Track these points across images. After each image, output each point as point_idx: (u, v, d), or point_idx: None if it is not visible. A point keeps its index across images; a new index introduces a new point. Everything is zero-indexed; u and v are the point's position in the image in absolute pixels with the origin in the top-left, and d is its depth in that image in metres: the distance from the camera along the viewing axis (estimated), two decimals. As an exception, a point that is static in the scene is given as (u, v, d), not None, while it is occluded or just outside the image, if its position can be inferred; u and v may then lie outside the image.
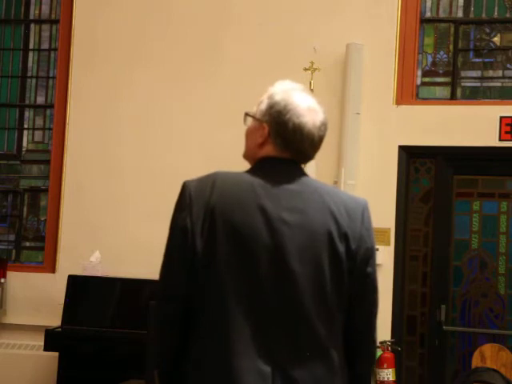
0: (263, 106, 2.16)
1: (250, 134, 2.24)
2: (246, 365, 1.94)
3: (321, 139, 2.16)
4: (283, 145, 2.12)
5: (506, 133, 5.33)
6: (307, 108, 2.13)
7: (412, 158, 5.54)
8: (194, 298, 2.03)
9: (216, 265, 1.99)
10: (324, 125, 2.15)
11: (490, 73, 5.60)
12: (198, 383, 1.99)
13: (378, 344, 2.32)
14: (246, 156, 2.25)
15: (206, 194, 2.05)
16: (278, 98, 2.14)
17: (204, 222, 2.01)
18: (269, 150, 2.15)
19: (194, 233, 2.01)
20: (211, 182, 2.08)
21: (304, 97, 2.16)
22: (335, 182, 5.33)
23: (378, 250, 5.34)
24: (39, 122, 6.16)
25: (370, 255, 2.11)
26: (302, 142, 2.11)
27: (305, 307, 1.99)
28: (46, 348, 5.21)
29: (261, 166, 2.14)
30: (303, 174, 2.14)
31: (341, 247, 2.04)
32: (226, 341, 1.95)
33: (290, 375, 1.96)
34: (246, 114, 2.24)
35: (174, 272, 2.07)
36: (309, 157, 2.17)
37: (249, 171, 2.15)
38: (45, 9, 6.21)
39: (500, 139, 5.34)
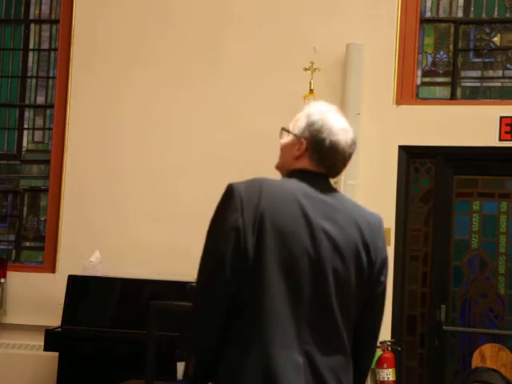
0: (301, 124, 2.36)
1: (286, 147, 2.40)
2: (283, 355, 2.14)
3: (350, 156, 2.39)
4: (319, 160, 2.33)
5: (506, 133, 5.33)
6: (342, 128, 2.35)
7: (412, 157, 5.54)
8: (239, 294, 2.18)
9: (264, 265, 2.16)
10: (354, 143, 2.39)
11: (490, 73, 5.60)
12: (237, 370, 2.17)
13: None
14: (281, 167, 2.42)
15: (255, 198, 2.20)
16: (315, 117, 2.34)
17: (254, 224, 2.17)
18: (305, 164, 2.34)
19: (246, 234, 2.16)
20: (258, 188, 2.23)
21: (338, 117, 2.37)
22: (335, 182, 5.32)
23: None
24: (39, 122, 6.16)
25: (384, 265, 2.33)
26: (335, 159, 2.34)
27: (334, 308, 2.22)
28: (46, 348, 5.21)
29: (300, 177, 2.31)
30: (333, 188, 2.37)
31: (364, 257, 2.27)
32: (266, 332, 2.15)
33: (317, 366, 2.18)
34: (283, 129, 2.43)
35: (226, 270, 2.16)
36: (339, 172, 2.40)
37: (289, 180, 2.32)
38: (45, 9, 6.21)
39: (500, 139, 5.34)
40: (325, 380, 2.18)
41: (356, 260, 2.25)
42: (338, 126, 2.34)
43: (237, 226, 2.16)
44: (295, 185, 2.27)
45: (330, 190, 2.34)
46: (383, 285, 2.34)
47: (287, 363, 2.13)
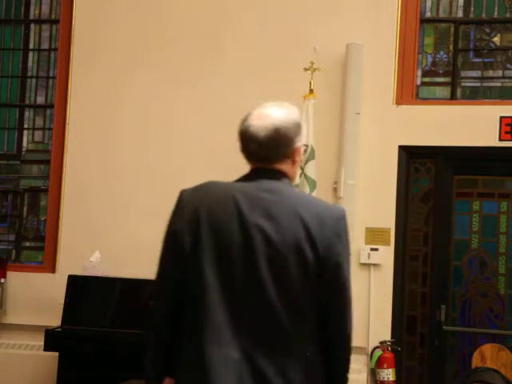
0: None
1: None
2: (216, 352, 2.19)
3: (269, 138, 2.32)
4: (244, 152, 2.39)
5: (506, 133, 5.33)
6: (257, 115, 2.35)
7: (412, 157, 5.54)
8: (188, 292, 2.28)
9: (202, 263, 2.25)
10: (274, 127, 2.32)
11: (490, 73, 5.60)
12: (178, 369, 2.27)
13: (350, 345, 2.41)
14: None
15: (197, 200, 2.32)
16: (248, 114, 2.40)
17: (191, 225, 2.29)
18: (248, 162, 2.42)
19: (182, 235, 2.29)
20: (205, 190, 2.37)
21: (265, 108, 2.39)
22: (335, 182, 5.33)
23: (377, 250, 5.40)
24: (39, 121, 6.16)
25: (338, 260, 2.26)
26: (248, 142, 2.35)
27: (271, 303, 2.21)
28: (46, 348, 5.21)
29: (245, 176, 2.39)
30: (278, 182, 2.34)
31: (309, 252, 2.22)
32: (202, 330, 2.21)
33: (256, 363, 2.19)
34: None
35: (166, 268, 2.37)
36: (265, 158, 2.35)
37: (236, 180, 2.41)
38: (45, 9, 6.21)
39: (500, 139, 5.34)
40: (267, 379, 2.18)
41: (297, 255, 2.22)
42: (254, 114, 2.35)
43: (174, 229, 2.32)
44: (239, 184, 2.36)
45: (274, 184, 2.32)
46: (341, 280, 2.27)
47: (220, 361, 2.17)
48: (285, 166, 2.37)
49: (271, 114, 2.35)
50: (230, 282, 2.23)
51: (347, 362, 2.39)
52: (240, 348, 2.18)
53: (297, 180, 5.15)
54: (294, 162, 2.39)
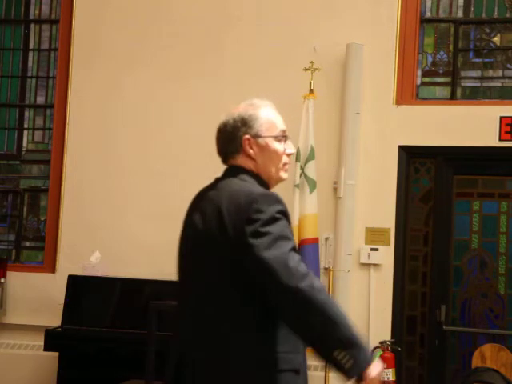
0: None
1: None
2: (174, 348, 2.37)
3: (217, 137, 2.56)
4: None
5: (506, 133, 5.33)
6: (227, 113, 2.55)
7: (412, 157, 5.54)
8: None
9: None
10: (220, 125, 2.55)
11: (490, 73, 5.60)
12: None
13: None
14: None
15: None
16: None
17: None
18: None
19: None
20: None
21: (241, 105, 2.55)
22: (335, 182, 5.33)
23: (377, 250, 5.39)
24: (39, 122, 6.16)
25: (248, 243, 2.20)
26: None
27: (194, 292, 2.32)
28: (46, 348, 5.21)
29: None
30: (232, 178, 2.42)
31: (221, 239, 2.26)
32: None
33: (189, 354, 2.29)
34: None
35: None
36: (221, 155, 2.54)
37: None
38: (45, 9, 6.21)
39: (500, 139, 5.34)
40: (184, 375, 2.28)
41: (211, 244, 2.28)
42: (227, 112, 2.51)
43: None
44: (204, 187, 2.55)
45: (223, 181, 2.44)
46: (257, 262, 2.18)
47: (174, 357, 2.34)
48: (240, 161, 2.45)
49: (226, 113, 2.53)
50: (178, 274, 2.43)
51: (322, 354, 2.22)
52: (181, 341, 2.36)
53: (297, 180, 5.15)
54: (247, 155, 2.43)
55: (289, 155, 2.48)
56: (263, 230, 2.20)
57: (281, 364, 2.23)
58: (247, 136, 2.43)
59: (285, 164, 2.47)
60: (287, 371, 2.25)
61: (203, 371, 2.25)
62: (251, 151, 2.42)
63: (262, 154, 2.43)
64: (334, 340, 2.15)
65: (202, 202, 2.40)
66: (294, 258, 2.19)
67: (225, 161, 2.50)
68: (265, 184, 2.42)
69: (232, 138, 2.46)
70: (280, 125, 2.49)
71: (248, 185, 2.35)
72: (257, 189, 2.34)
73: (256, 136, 2.43)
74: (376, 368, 2.18)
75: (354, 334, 2.17)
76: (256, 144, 2.43)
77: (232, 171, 2.44)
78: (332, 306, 2.18)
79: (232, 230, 2.23)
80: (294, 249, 2.23)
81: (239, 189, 2.33)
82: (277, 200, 2.28)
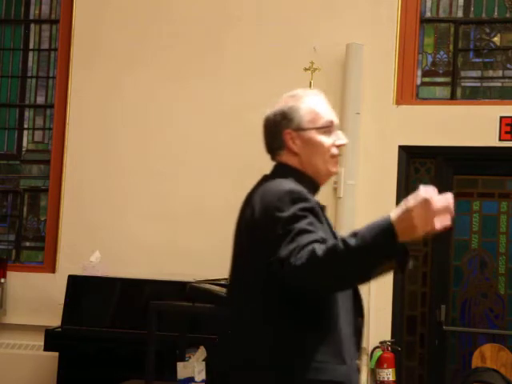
0: None
1: None
2: None
3: (263, 133, 2.33)
4: None
5: (506, 133, 5.33)
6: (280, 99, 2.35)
7: (412, 157, 5.55)
8: None
9: None
10: (263, 120, 2.33)
11: (490, 73, 5.60)
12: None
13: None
14: None
15: None
16: None
17: None
18: None
19: None
20: None
21: (287, 94, 2.36)
22: (335, 182, 5.33)
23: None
24: (39, 121, 6.16)
25: (270, 243, 2.09)
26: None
27: (233, 295, 2.30)
28: (46, 348, 5.21)
29: None
30: (275, 175, 2.27)
31: (253, 241, 2.17)
32: None
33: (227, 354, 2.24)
34: None
35: None
36: (267, 149, 2.34)
37: None
38: (45, 9, 6.21)
39: (500, 139, 5.34)
40: None
41: (248, 246, 2.20)
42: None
43: None
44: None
45: (267, 179, 2.28)
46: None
47: None
48: (285, 157, 2.29)
49: (288, 99, 2.35)
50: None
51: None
52: None
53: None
54: (291, 150, 2.28)
55: (338, 146, 2.32)
56: (283, 229, 2.06)
57: (314, 373, 2.07)
58: (288, 130, 2.27)
59: (333, 156, 2.30)
60: (324, 382, 2.08)
61: (238, 376, 2.15)
62: (294, 146, 2.27)
63: (306, 148, 2.27)
64: (363, 264, 2.01)
65: (244, 203, 2.29)
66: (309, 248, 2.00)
67: (272, 158, 2.34)
68: (311, 181, 2.28)
69: (274, 134, 2.29)
70: (326, 114, 2.34)
71: (281, 183, 2.20)
72: (285, 186, 2.17)
73: (298, 129, 2.26)
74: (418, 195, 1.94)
75: (359, 243, 1.99)
76: (299, 138, 2.27)
77: (275, 169, 2.32)
78: (335, 254, 1.99)
79: (260, 230, 2.13)
80: (315, 241, 2.03)
81: (269, 188, 2.19)
82: (299, 198, 2.12)
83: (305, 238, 2.02)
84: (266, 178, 2.29)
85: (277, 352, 2.09)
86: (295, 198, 2.12)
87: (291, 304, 2.09)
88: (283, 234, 2.05)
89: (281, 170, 2.28)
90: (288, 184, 2.19)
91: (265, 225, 2.12)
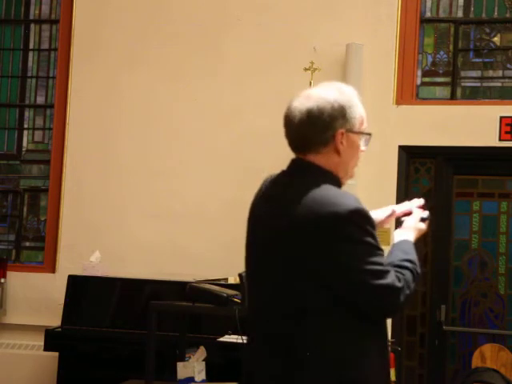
0: None
1: None
2: None
3: (301, 123, 2.13)
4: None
5: (506, 133, 5.33)
6: (300, 95, 2.18)
7: (412, 157, 5.55)
8: None
9: None
10: (307, 109, 2.12)
11: (490, 73, 5.60)
12: None
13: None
14: None
15: None
16: None
17: None
18: None
19: None
20: None
21: (311, 89, 2.20)
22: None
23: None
24: (39, 121, 6.16)
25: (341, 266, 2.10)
26: (285, 129, 2.19)
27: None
28: (46, 348, 5.21)
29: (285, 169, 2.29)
30: (303, 175, 2.15)
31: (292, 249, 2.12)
32: None
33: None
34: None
35: None
36: (296, 146, 2.18)
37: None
38: (45, 9, 6.21)
39: (500, 139, 5.34)
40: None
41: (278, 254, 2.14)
42: (300, 94, 2.19)
43: None
44: (270, 179, 2.28)
45: (290, 174, 2.19)
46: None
47: None
48: (321, 155, 2.15)
49: (312, 95, 2.15)
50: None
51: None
52: None
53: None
54: (335, 149, 2.15)
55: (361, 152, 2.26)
56: (366, 260, 2.07)
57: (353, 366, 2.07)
58: (342, 130, 2.14)
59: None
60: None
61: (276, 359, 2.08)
62: (341, 146, 2.15)
63: (348, 151, 2.18)
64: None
65: (267, 207, 2.16)
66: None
67: (301, 150, 2.17)
68: (339, 183, 2.24)
69: (323, 128, 2.12)
70: (365, 120, 2.24)
71: (335, 195, 2.11)
72: (344, 201, 2.09)
73: (349, 130, 2.15)
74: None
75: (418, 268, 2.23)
76: (347, 139, 2.16)
77: (302, 167, 2.17)
78: (416, 279, 2.20)
79: (318, 251, 2.04)
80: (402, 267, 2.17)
81: (320, 200, 2.06)
82: (367, 220, 2.12)
83: (390, 267, 2.13)
84: (292, 176, 2.17)
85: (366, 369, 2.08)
86: (364, 221, 2.11)
87: (360, 320, 2.09)
88: (368, 263, 2.05)
89: (314, 171, 2.15)
90: (343, 197, 2.12)
91: (328, 248, 2.04)
